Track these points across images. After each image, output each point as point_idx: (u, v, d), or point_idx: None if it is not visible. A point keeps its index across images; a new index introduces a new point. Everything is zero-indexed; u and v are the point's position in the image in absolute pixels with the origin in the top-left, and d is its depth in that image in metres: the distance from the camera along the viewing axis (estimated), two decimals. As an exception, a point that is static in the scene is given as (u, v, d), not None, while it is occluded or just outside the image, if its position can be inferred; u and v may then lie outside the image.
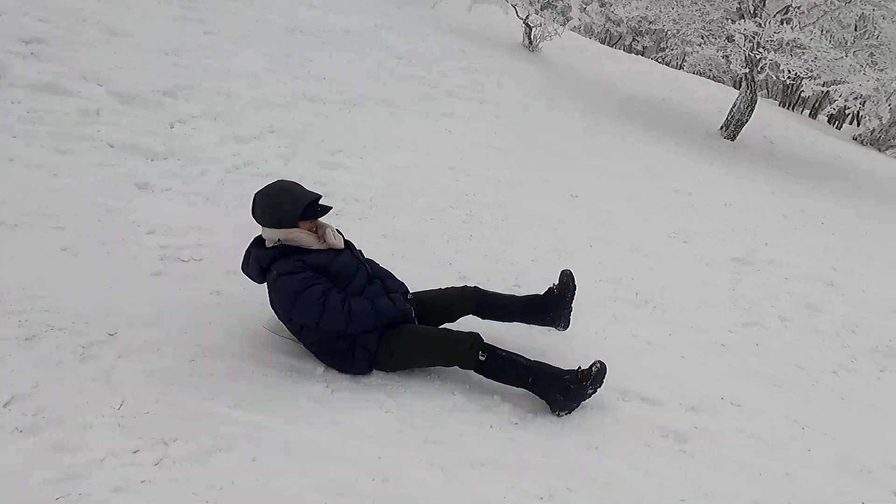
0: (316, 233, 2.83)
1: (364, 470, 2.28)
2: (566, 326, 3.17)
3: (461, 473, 2.37)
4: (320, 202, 2.83)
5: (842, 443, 3.06)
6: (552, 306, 3.12)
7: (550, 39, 11.44)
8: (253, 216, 2.78)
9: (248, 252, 2.83)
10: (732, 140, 10.41)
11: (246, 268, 2.84)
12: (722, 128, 10.64)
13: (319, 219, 2.84)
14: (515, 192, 5.70)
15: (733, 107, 10.59)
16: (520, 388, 2.82)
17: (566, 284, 3.13)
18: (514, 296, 3.24)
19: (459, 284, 3.22)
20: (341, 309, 2.65)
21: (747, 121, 10.48)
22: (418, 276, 3.86)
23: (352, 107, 6.64)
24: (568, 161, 6.95)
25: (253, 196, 2.77)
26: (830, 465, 2.87)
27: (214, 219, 4.05)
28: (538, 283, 3.41)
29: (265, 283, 2.79)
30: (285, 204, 2.72)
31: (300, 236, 2.74)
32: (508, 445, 2.56)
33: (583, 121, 8.63)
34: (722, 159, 8.89)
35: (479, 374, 2.80)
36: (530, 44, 11.61)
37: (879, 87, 14.66)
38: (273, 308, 2.81)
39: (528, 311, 3.14)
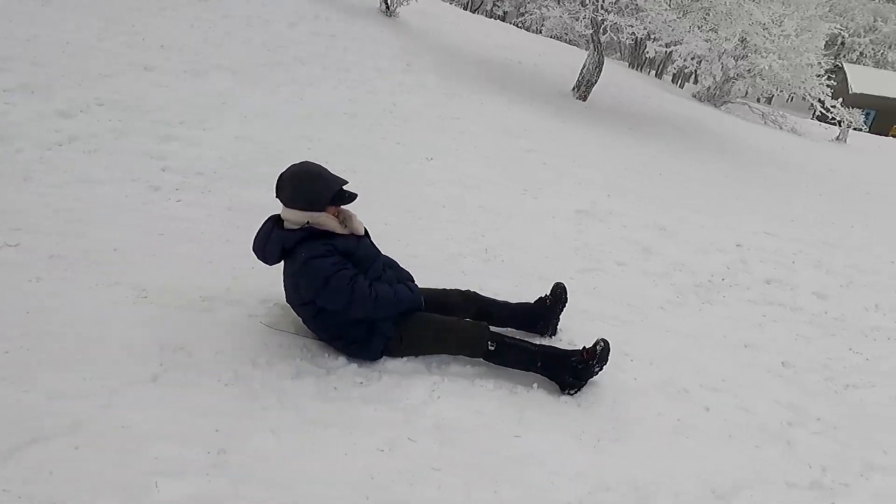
0: (338, 218, 2.81)
1: (198, 445, 2.23)
2: (553, 334, 3.36)
3: (301, 436, 2.37)
4: (346, 188, 2.81)
5: (664, 370, 3.37)
6: (543, 315, 3.32)
7: (407, 4, 11.39)
8: (278, 197, 2.73)
9: (264, 232, 2.78)
10: (584, 100, 10.96)
11: (261, 248, 2.78)
12: (574, 89, 11.16)
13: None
14: (368, 157, 5.68)
15: (583, 68, 11.13)
16: (528, 372, 2.94)
17: (559, 297, 3.33)
18: (509, 303, 3.33)
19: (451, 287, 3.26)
20: (369, 294, 2.68)
21: (596, 81, 11.05)
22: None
23: (193, 76, 6.28)
24: (424, 125, 7.02)
25: (280, 176, 2.73)
26: (653, 390, 3.17)
27: (32, 200, 3.72)
28: (394, 249, 3.41)
29: (276, 265, 2.80)
30: (318, 187, 2.70)
31: (327, 220, 2.74)
32: (351, 404, 2.60)
33: (440, 85, 8.71)
34: (574, 119, 9.34)
35: (488, 360, 2.91)
36: (387, 9, 11.50)
37: (712, 48, 15.97)
38: (290, 290, 2.80)
39: (521, 319, 3.29)
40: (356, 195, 2.83)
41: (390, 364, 2.87)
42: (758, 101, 23.08)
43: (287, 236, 2.70)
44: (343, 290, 2.64)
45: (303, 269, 2.66)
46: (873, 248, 6.57)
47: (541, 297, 3.37)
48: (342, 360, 2.83)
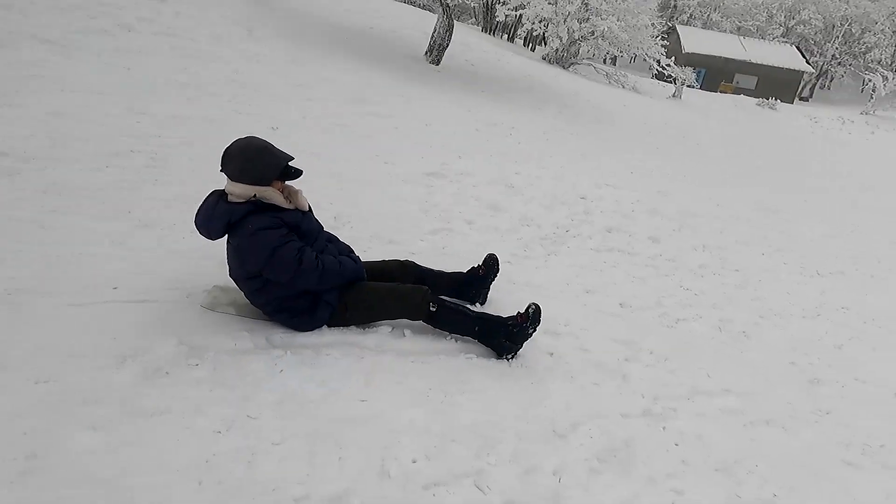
0: (283, 193, 2.83)
1: (4, 450, 1.99)
2: (483, 302, 3.51)
3: (127, 427, 2.19)
4: (291, 164, 2.84)
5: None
6: (474, 284, 3.47)
7: (246, -34, 10.72)
8: (224, 171, 2.71)
9: (208, 206, 2.74)
10: (437, 64, 10.98)
11: (205, 221, 2.73)
12: (426, 53, 11.14)
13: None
14: (209, 129, 5.33)
15: (434, 32, 11.11)
16: (466, 336, 3.06)
17: (491, 267, 3.50)
18: (444, 272, 3.43)
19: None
20: (316, 266, 2.75)
21: (447, 45, 11.09)
22: (92, 231, 3.45)
23: (-7, 46, 5.54)
24: (268, 94, 6.69)
25: (226, 151, 2.71)
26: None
27: None
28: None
29: (219, 239, 2.77)
30: (265, 162, 2.72)
31: (273, 195, 2.75)
32: (183, 388, 2.43)
33: (285, 52, 8.34)
34: (426, 83, 9.33)
35: (428, 323, 2.99)
36: (224, -29, 10.76)
37: (557, 10, 16.59)
38: (235, 264, 2.78)
39: (455, 288, 3.41)
40: (301, 171, 2.86)
41: (228, 342, 2.72)
42: (604, 62, 24.41)
43: (233, 209, 2.68)
44: (291, 261, 2.68)
45: (251, 241, 2.66)
46: (700, 194, 7.19)
47: (473, 267, 3.53)
48: (172, 342, 2.64)
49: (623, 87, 18.66)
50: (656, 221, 5.86)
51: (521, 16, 16.49)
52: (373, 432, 2.39)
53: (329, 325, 2.94)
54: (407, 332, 3.04)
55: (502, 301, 3.61)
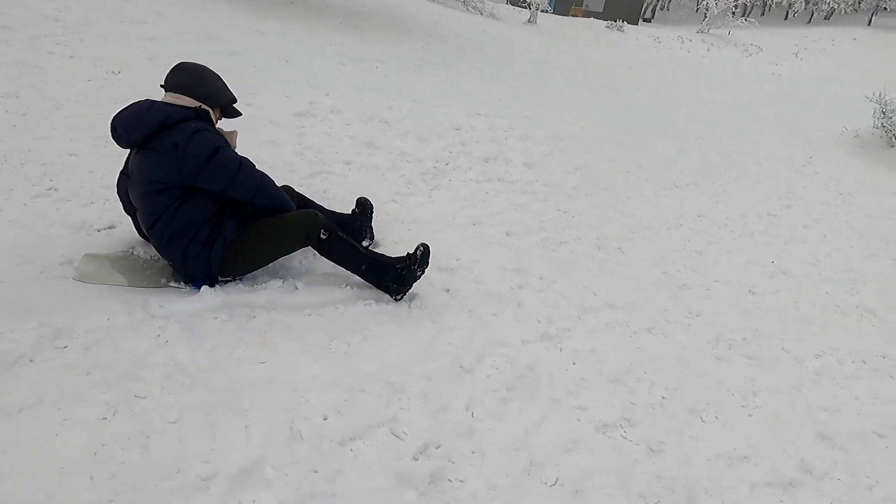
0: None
1: None
2: (373, 239, 3.51)
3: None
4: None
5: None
6: (359, 223, 3.45)
7: None
8: (170, 82, 2.62)
9: (138, 108, 2.56)
10: (289, -4, 10.27)
11: (133, 120, 2.52)
12: (276, -17, 10.35)
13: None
14: (31, 76, 4.63)
15: (281, -41, 10.31)
16: (354, 275, 3.00)
17: (364, 207, 3.48)
18: (335, 213, 3.40)
19: None
20: (256, 172, 2.74)
21: (298, -27, 10.37)
22: None
23: None
24: (100, 34, 5.91)
25: (178, 65, 2.64)
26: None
27: None
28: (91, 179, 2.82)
29: (135, 147, 2.60)
30: (218, 86, 2.72)
31: (213, 119, 2.73)
32: (53, 375, 2.15)
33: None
34: (279, 18, 8.70)
35: (319, 250, 2.88)
36: None
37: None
38: (156, 173, 2.54)
39: (347, 228, 3.28)
40: (241, 113, 2.88)
41: (99, 318, 2.44)
42: (459, -12, 24.03)
43: (174, 110, 2.57)
44: (233, 159, 2.65)
45: (192, 139, 2.54)
46: (566, 117, 7.39)
47: (353, 210, 3.51)
48: (31, 325, 2.31)
49: (481, 13, 18.59)
50: (529, 147, 5.97)
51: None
52: (276, 394, 2.26)
53: (221, 276, 2.79)
54: (299, 284, 2.89)
55: (391, 240, 3.53)
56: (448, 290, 3.20)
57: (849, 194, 7.31)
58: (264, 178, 2.77)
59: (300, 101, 5.44)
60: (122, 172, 2.82)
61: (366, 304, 2.88)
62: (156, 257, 2.93)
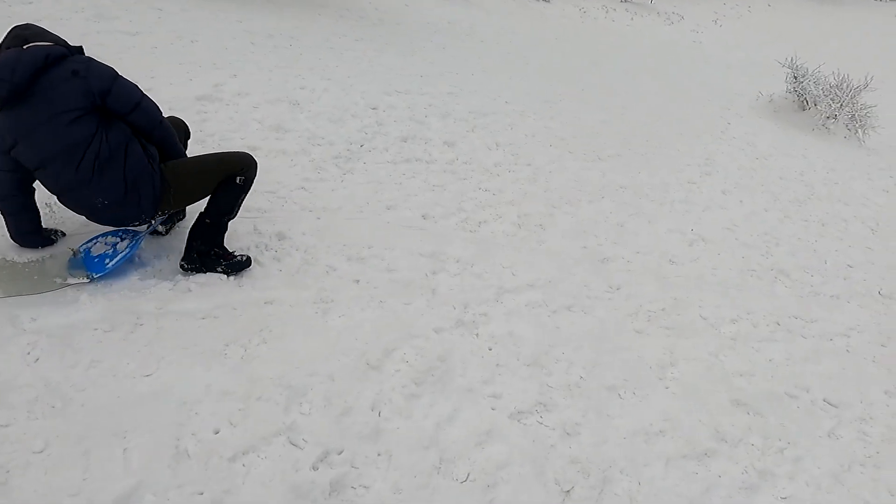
0: None
1: None
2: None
3: None
4: None
5: (310, 252, 3.24)
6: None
7: None
8: (26, 32, 2.44)
9: (12, 52, 2.34)
10: (195, -30, 9.68)
11: (12, 63, 2.29)
12: (180, -44, 9.74)
13: None
14: None
15: (185, -69, 9.70)
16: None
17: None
18: None
19: None
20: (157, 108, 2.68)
21: (204, -54, 9.78)
22: None
23: None
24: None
25: (15, 26, 2.46)
26: (299, 275, 3.03)
27: None
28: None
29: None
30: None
31: None
32: None
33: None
34: (183, -7, 8.19)
35: (219, 189, 2.76)
36: None
37: None
38: (59, 102, 2.35)
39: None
40: None
41: None
42: (382, -39, 23.42)
43: (52, 47, 2.39)
44: (134, 84, 2.56)
45: (91, 63, 2.43)
46: (490, 92, 7.27)
47: None
48: None
49: (404, -15, 18.14)
50: (449, 125, 5.83)
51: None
52: (162, 410, 2.09)
53: (159, 210, 2.68)
54: (192, 286, 2.69)
55: (299, 231, 3.35)
56: (358, 282, 3.06)
57: (764, 158, 7.51)
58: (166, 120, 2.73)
59: (203, 83, 5.12)
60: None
61: (266, 304, 2.71)
62: (37, 259, 2.66)
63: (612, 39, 15.91)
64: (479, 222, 4.15)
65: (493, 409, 2.49)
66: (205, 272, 2.78)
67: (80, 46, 2.57)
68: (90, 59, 2.48)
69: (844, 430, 3.31)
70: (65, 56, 2.42)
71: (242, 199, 2.86)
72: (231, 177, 2.76)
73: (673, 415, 2.90)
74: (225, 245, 2.86)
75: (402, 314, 2.90)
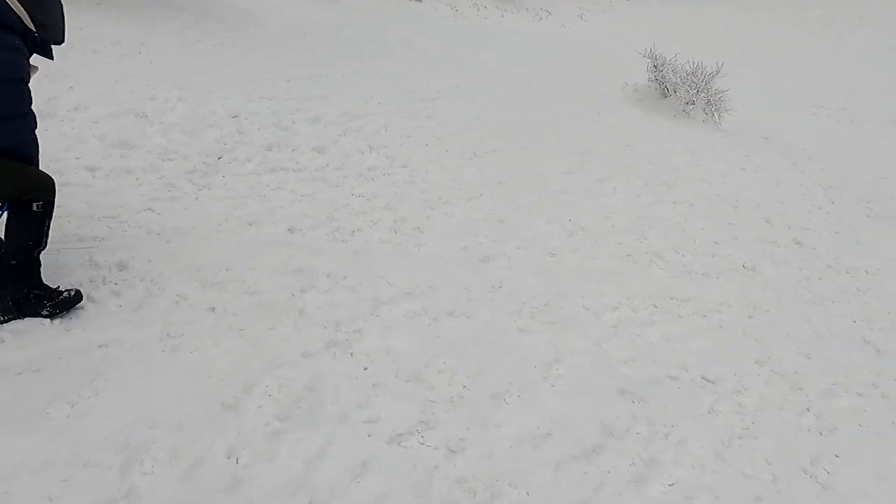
0: None
1: None
2: None
3: None
4: None
5: (158, 283, 2.90)
6: None
7: None
8: None
9: None
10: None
11: None
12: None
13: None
14: None
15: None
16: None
17: None
18: None
19: None
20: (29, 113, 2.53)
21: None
22: None
23: None
24: None
25: None
26: (145, 310, 2.69)
27: None
28: None
29: None
30: (60, 12, 2.50)
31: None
32: None
33: None
34: None
35: (37, 221, 2.43)
36: None
37: None
38: None
39: None
40: (53, 58, 2.71)
41: None
42: (246, -38, 22.47)
43: (9, 14, 2.30)
44: (12, 67, 2.35)
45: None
46: (363, 93, 7.05)
47: None
48: None
49: (271, -13, 17.48)
50: (319, 129, 5.56)
51: None
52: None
53: None
54: (5, 335, 2.30)
55: (144, 258, 3.00)
56: (213, 310, 2.76)
57: (633, 144, 7.79)
58: (29, 119, 2.45)
59: (35, 98, 4.55)
60: None
61: (101, 347, 2.37)
62: None
63: (485, 36, 16.14)
64: (353, 231, 3.94)
65: (369, 436, 2.29)
66: (23, 318, 2.38)
67: (35, 36, 2.46)
68: (12, 48, 2.31)
69: (722, 405, 3.39)
70: (8, 28, 2.29)
71: (48, 226, 2.50)
72: (25, 202, 2.40)
73: (560, 414, 2.84)
74: (45, 282, 2.47)
75: (265, 342, 2.64)
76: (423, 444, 2.36)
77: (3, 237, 2.53)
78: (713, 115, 9.43)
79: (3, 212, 2.47)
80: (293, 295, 3.01)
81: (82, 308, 2.52)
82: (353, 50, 9.96)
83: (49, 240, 2.64)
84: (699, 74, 9.46)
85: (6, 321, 2.38)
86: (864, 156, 10.89)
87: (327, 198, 4.27)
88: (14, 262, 2.38)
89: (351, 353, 2.74)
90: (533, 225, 4.85)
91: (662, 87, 9.86)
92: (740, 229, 5.88)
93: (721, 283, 4.74)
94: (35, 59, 2.63)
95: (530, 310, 3.69)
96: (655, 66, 10.02)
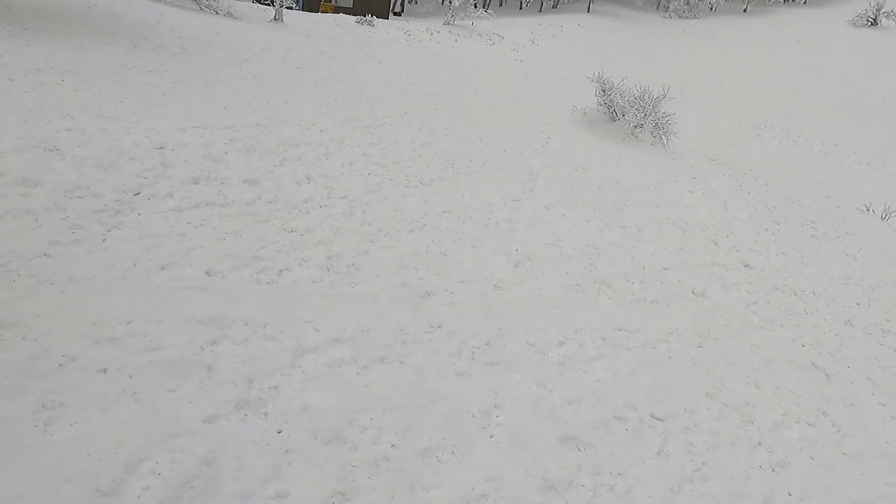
0: None
1: None
2: None
3: None
4: None
5: (51, 339, 2.59)
6: None
7: None
8: None
9: None
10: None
11: None
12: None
13: None
14: None
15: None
16: None
17: None
18: None
19: None
20: None
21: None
22: None
23: None
24: None
25: None
26: (32, 377, 2.38)
27: None
28: None
29: None
30: None
31: None
32: None
33: None
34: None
35: None
36: None
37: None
38: None
39: None
40: None
41: None
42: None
43: None
44: None
45: None
46: (303, 122, 6.80)
47: None
48: None
49: (217, 13, 17.16)
50: (254, 160, 5.29)
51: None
52: None
53: None
54: None
55: (31, 311, 2.68)
56: (105, 371, 2.46)
57: (583, 169, 7.72)
58: None
59: (-71, 133, 4.18)
60: None
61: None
62: None
63: (437, 61, 16.11)
64: (280, 271, 3.67)
65: (275, 516, 2.02)
66: None
67: None
68: None
69: (672, 445, 3.22)
70: None
71: None
72: None
73: (497, 471, 2.61)
74: None
75: (163, 407, 2.35)
76: (338, 519, 2.10)
77: None
78: (661, 137, 9.47)
79: None
80: (202, 348, 2.72)
81: (-55, 377, 2.19)
82: (298, 76, 9.72)
83: None
84: (647, 98, 9.51)
85: None
86: (807, 175, 11.11)
87: (255, 234, 3.99)
88: None
89: (265, 414, 2.47)
90: (477, 256, 4.66)
91: (611, 110, 9.88)
92: (689, 253, 5.80)
93: (671, 310, 4.62)
94: None
95: (471, 350, 3.47)
96: (604, 91, 10.05)
